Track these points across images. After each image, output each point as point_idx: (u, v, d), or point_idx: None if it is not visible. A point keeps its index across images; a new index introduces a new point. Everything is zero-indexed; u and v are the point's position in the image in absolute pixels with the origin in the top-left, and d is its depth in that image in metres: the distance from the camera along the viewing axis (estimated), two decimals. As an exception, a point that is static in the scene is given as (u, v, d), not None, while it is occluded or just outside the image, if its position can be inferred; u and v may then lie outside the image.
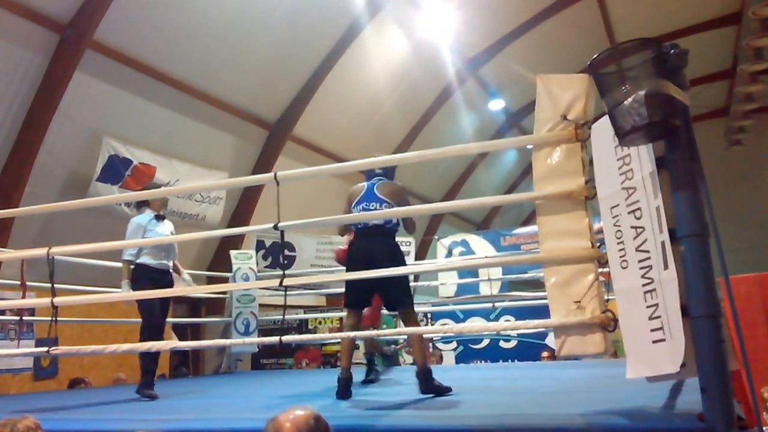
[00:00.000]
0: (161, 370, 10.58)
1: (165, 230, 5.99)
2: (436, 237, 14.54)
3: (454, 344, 11.30)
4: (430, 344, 11.34)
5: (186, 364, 11.89)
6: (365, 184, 5.15)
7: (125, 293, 5.80)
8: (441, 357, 11.13)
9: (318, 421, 2.04)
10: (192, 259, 12.01)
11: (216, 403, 5.10)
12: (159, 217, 6.02)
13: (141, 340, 5.56)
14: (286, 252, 11.97)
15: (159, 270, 5.86)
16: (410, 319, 4.83)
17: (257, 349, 10.93)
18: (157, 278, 5.78)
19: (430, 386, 4.55)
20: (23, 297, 5.95)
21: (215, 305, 10.91)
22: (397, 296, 4.82)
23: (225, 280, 9.88)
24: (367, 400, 4.69)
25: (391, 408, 4.05)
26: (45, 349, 4.66)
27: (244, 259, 9.56)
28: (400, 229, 5.28)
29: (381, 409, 3.99)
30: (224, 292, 9.53)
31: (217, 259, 12.10)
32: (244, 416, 3.94)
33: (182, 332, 10.99)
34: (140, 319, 5.84)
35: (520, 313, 9.60)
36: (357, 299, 4.93)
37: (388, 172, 5.31)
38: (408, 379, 6.37)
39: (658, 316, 2.64)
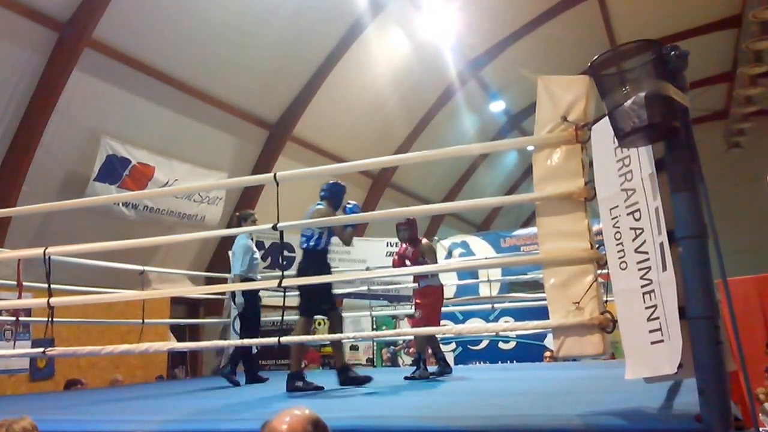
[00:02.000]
0: (159, 372, 10.59)
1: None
2: (436, 238, 14.50)
3: (453, 345, 11.29)
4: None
5: (184, 365, 11.88)
6: (310, 208, 5.82)
7: (126, 294, 5.84)
8: (440, 358, 11.12)
9: (316, 425, 1.91)
10: (191, 259, 12.01)
11: (214, 403, 5.09)
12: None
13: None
14: (285, 253, 11.92)
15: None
16: (298, 324, 5.83)
17: (256, 350, 10.91)
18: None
19: (347, 380, 5.53)
20: (19, 297, 5.95)
21: (214, 306, 10.91)
22: (300, 305, 5.81)
23: (224, 281, 9.86)
24: (366, 401, 4.68)
25: (390, 409, 4.04)
26: (41, 349, 4.64)
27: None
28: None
29: (380, 410, 3.98)
30: (223, 293, 9.51)
31: (216, 260, 12.09)
32: (242, 417, 3.93)
33: (181, 333, 10.98)
34: (138, 321, 5.89)
35: (520, 314, 9.59)
36: None
37: (333, 194, 5.91)
38: (407, 381, 6.37)
39: (657, 318, 2.63)
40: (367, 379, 5.60)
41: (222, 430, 3.62)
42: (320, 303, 5.76)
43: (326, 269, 5.74)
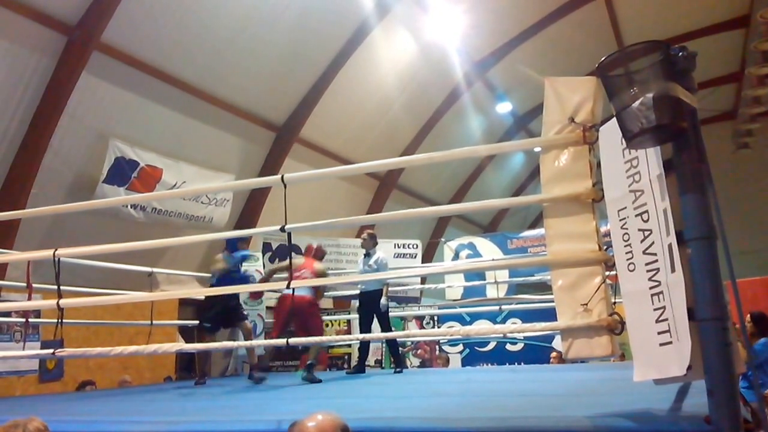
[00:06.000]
0: (167, 373, 10.61)
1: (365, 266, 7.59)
2: (443, 240, 14.53)
3: (460, 347, 11.27)
4: (437, 346, 11.33)
5: (192, 367, 11.89)
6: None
7: (135, 295, 5.89)
8: (447, 359, 11.11)
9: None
10: (199, 261, 12.03)
11: (222, 405, 5.10)
12: (366, 255, 7.64)
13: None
14: (293, 254, 11.97)
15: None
16: None
17: (264, 352, 10.94)
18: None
19: (254, 379, 6.85)
20: (29, 299, 5.97)
21: (221, 307, 10.90)
22: None
23: (231, 283, 9.87)
24: (375, 402, 4.69)
25: (398, 410, 4.04)
26: (51, 351, 4.66)
27: (251, 262, 9.56)
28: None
29: (388, 412, 3.98)
30: (230, 295, 9.52)
31: (224, 262, 12.11)
32: (250, 418, 3.93)
33: (189, 335, 11.00)
34: (146, 322, 5.95)
35: (527, 316, 9.58)
36: None
37: (229, 244, 7.33)
38: (414, 382, 6.36)
39: (665, 319, 2.62)
40: (263, 379, 6.87)
41: (229, 431, 3.63)
42: (203, 321, 7.40)
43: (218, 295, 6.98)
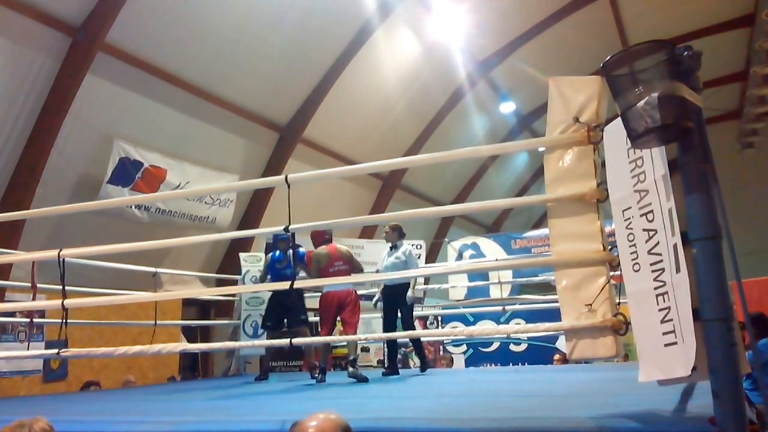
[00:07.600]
0: (171, 373, 10.62)
1: (391, 258, 7.30)
2: (446, 240, 14.53)
3: (464, 347, 11.27)
4: (441, 347, 11.32)
5: (195, 367, 11.91)
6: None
7: (139, 295, 5.89)
8: (451, 360, 11.11)
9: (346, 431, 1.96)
10: (202, 261, 12.05)
11: (225, 405, 5.10)
12: (393, 247, 7.39)
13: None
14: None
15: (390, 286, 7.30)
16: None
17: (264, 352, 10.94)
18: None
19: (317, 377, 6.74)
20: (33, 299, 5.99)
21: (224, 308, 10.93)
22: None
23: (234, 283, 9.89)
24: (379, 403, 4.68)
25: (402, 411, 4.04)
26: (55, 351, 4.66)
27: (254, 262, 9.56)
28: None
29: (392, 412, 3.98)
30: (233, 295, 9.54)
31: (227, 262, 12.13)
32: (253, 418, 3.93)
33: (192, 334, 11.02)
34: (150, 322, 5.95)
35: (531, 317, 9.58)
36: None
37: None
38: (417, 382, 6.36)
39: (670, 320, 2.62)
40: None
41: (232, 431, 3.62)
42: (265, 320, 7.58)
43: (274, 294, 7.37)
